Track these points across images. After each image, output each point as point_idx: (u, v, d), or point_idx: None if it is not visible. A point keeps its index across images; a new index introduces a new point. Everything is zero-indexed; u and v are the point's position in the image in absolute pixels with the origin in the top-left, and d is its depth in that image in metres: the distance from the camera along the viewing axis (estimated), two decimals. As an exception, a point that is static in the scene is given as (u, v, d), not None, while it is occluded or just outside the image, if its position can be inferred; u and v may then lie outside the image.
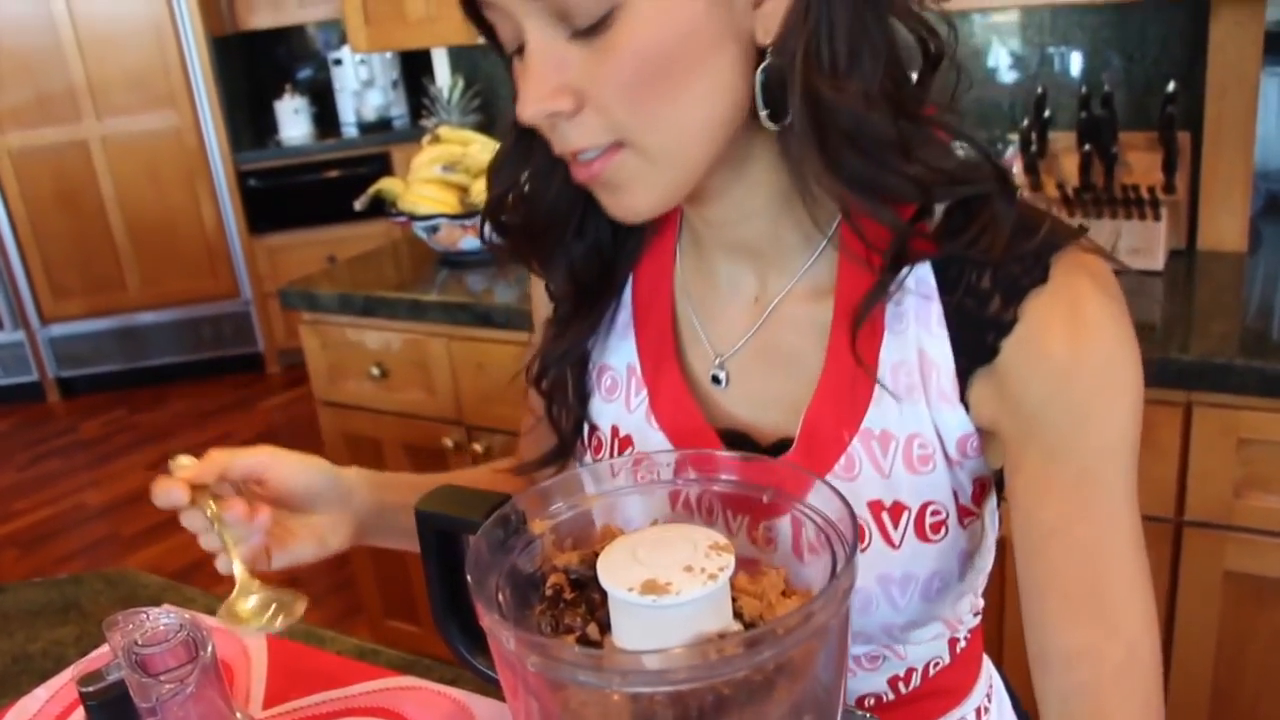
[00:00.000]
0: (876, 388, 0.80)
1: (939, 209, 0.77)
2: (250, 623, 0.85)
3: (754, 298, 0.87)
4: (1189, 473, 1.65)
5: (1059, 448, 0.74)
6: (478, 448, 2.34)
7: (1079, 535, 0.73)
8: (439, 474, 1.06)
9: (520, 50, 0.72)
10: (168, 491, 0.85)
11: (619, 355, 0.94)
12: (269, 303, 5.02)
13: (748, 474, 0.73)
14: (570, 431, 0.97)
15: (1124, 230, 1.93)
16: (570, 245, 0.91)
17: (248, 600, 0.85)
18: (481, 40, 2.51)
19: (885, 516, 0.81)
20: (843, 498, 0.66)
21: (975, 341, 0.76)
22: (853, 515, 0.64)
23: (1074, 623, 0.73)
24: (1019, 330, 0.74)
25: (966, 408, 0.78)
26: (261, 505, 0.88)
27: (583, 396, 0.97)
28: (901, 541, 0.81)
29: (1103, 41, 2.15)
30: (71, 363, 5.20)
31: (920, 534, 0.81)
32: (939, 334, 0.78)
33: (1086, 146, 1.97)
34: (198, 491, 0.86)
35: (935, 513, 0.81)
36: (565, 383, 0.96)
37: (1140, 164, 2.03)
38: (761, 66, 0.72)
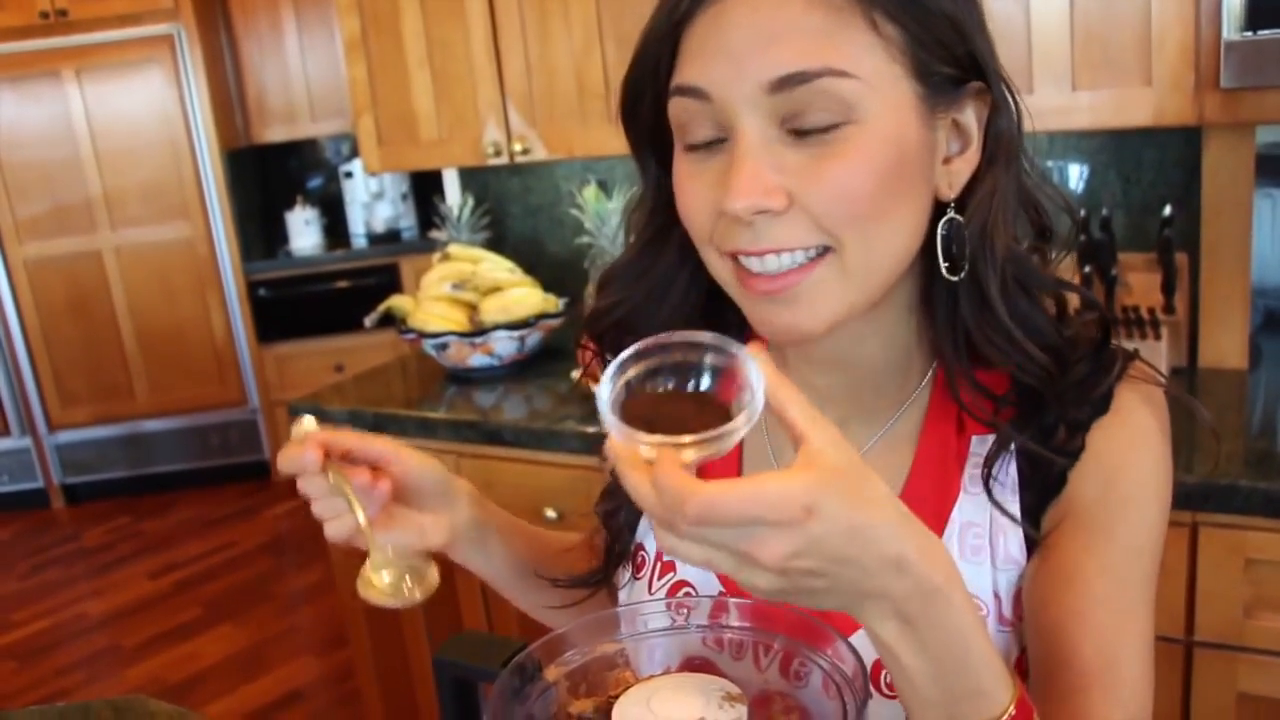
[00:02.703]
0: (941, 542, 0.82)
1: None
2: (392, 598, 0.85)
3: None
4: (1197, 593, 1.65)
5: (1094, 543, 0.79)
6: (484, 563, 2.33)
7: (1098, 619, 0.78)
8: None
9: (708, 146, 0.75)
10: (302, 455, 0.82)
11: None
12: (276, 411, 5.04)
13: (760, 621, 0.74)
14: (619, 554, 0.98)
15: (1125, 350, 1.96)
16: None
17: (383, 574, 0.85)
18: (494, 161, 2.53)
19: None
20: (857, 655, 0.66)
21: (1044, 475, 0.81)
22: (864, 671, 0.65)
23: (1085, 692, 0.77)
24: (1088, 453, 0.80)
25: (1029, 551, 0.82)
26: (384, 476, 0.87)
27: (633, 520, 0.98)
28: None
29: (1100, 165, 2.20)
30: (77, 469, 5.21)
31: None
32: (1012, 500, 0.82)
33: (1087, 268, 2.01)
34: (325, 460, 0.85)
35: None
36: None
37: (1140, 285, 2.06)
38: (945, 220, 0.78)
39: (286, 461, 0.83)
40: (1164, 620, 1.67)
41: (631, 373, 0.62)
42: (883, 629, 0.61)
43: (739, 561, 0.56)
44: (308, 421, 0.86)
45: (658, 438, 0.57)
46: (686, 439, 0.57)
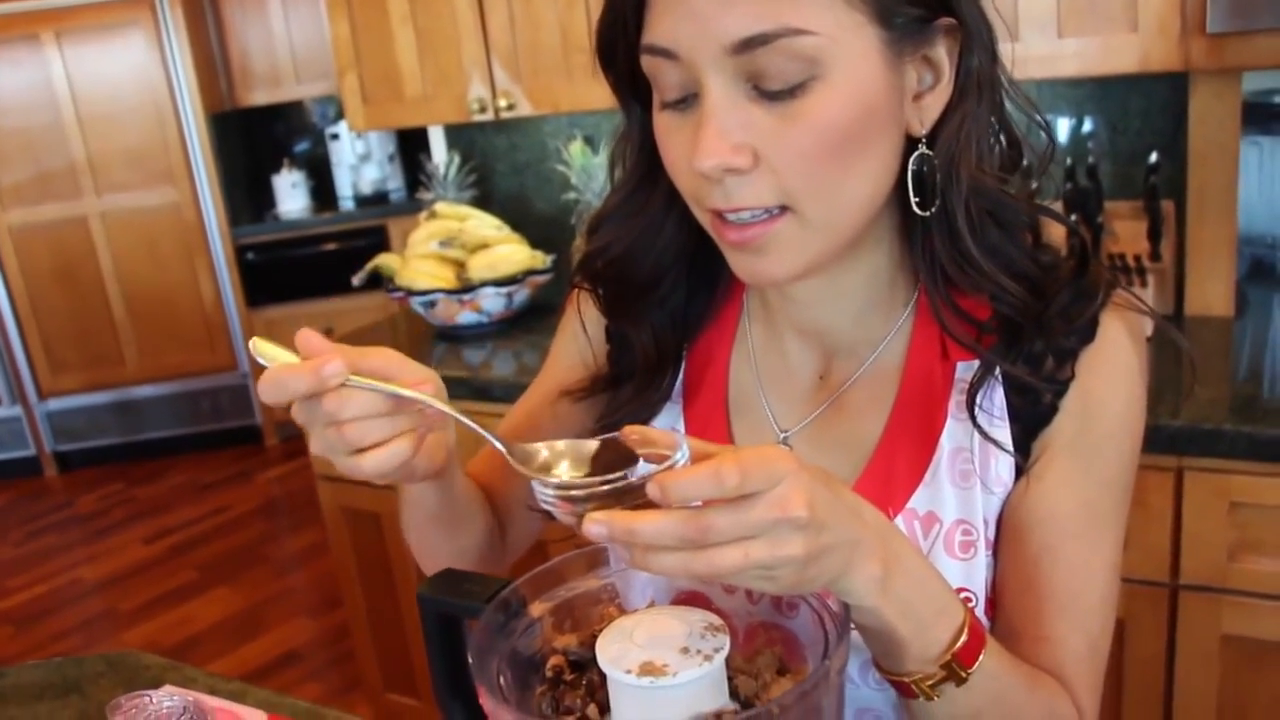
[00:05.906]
0: (929, 470, 0.83)
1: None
2: None
3: (819, 377, 0.90)
4: (1182, 537, 1.66)
5: (1072, 478, 0.81)
6: (476, 520, 2.34)
7: (1069, 551, 0.81)
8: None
9: (682, 101, 0.75)
10: (321, 366, 0.67)
11: (661, 423, 0.95)
12: (266, 375, 5.03)
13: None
14: None
15: (1111, 297, 1.96)
16: (653, 312, 0.93)
17: None
18: (479, 118, 2.52)
19: None
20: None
21: (1032, 405, 0.82)
22: (846, 608, 0.66)
23: (1050, 618, 0.81)
24: (1076, 383, 0.81)
25: (1018, 474, 0.82)
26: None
27: None
28: None
29: (1086, 113, 2.20)
30: (68, 437, 5.21)
31: None
32: (1000, 424, 0.82)
33: (1073, 216, 2.01)
34: None
35: (967, 599, 0.82)
36: None
37: (1126, 233, 2.06)
38: (916, 155, 0.77)
39: (293, 381, 0.67)
40: (1149, 564, 1.68)
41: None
42: (869, 577, 0.63)
43: (773, 527, 0.57)
44: (260, 346, 0.70)
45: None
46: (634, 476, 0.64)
